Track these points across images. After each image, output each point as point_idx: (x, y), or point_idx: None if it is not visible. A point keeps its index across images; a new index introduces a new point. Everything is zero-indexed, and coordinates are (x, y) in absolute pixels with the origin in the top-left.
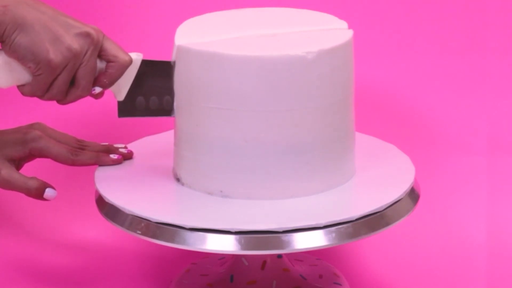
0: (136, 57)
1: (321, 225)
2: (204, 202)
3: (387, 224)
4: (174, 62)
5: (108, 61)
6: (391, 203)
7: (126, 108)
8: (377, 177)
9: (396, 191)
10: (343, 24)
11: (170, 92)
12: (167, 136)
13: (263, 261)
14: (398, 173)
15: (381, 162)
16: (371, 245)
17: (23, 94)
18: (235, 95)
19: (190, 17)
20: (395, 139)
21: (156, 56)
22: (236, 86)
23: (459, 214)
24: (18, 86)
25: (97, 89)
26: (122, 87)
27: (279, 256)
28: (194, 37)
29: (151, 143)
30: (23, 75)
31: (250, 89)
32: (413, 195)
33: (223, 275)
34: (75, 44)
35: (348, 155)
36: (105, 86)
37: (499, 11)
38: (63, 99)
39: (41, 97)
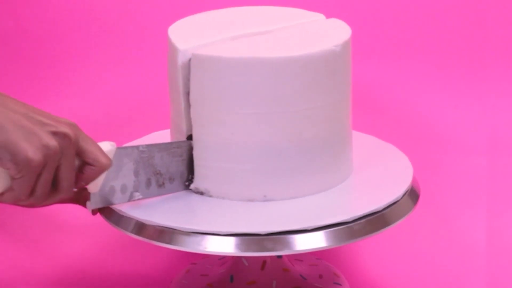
0: (111, 148)
1: (321, 226)
2: (198, 204)
3: (387, 224)
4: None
5: (87, 163)
6: (390, 203)
7: (100, 198)
8: (375, 177)
9: (395, 191)
10: (320, 16)
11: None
12: (161, 137)
13: (263, 261)
14: (397, 173)
15: (380, 162)
16: (371, 245)
17: (4, 202)
18: (273, 98)
19: (177, 16)
20: (395, 139)
21: (151, 56)
22: (273, 88)
23: (459, 215)
24: None
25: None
26: (97, 181)
27: (279, 256)
28: (207, 42)
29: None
30: (1, 182)
31: (288, 90)
32: (412, 195)
33: (223, 275)
34: (53, 141)
35: (347, 154)
36: (81, 187)
37: (499, 11)
38: (44, 203)
39: (24, 201)
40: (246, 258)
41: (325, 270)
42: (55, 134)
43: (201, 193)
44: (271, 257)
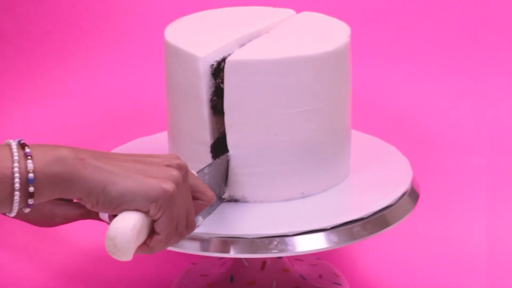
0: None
1: (322, 228)
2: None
3: (387, 225)
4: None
5: (195, 198)
6: (391, 204)
7: None
8: (375, 178)
9: (395, 191)
10: (291, 12)
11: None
12: (158, 139)
13: (263, 262)
14: (397, 173)
15: (380, 162)
16: (371, 245)
17: (155, 248)
18: (315, 93)
19: (174, 16)
20: (395, 140)
21: (151, 56)
22: (315, 84)
23: (459, 215)
24: (140, 250)
25: None
26: None
27: (279, 256)
28: (221, 47)
29: (142, 145)
30: (142, 236)
31: (327, 83)
32: (412, 195)
33: (223, 276)
34: (174, 171)
35: (346, 154)
36: None
37: (499, 11)
38: (181, 239)
39: (172, 242)
40: (246, 258)
41: (325, 270)
42: (170, 166)
43: (236, 201)
44: (271, 257)
